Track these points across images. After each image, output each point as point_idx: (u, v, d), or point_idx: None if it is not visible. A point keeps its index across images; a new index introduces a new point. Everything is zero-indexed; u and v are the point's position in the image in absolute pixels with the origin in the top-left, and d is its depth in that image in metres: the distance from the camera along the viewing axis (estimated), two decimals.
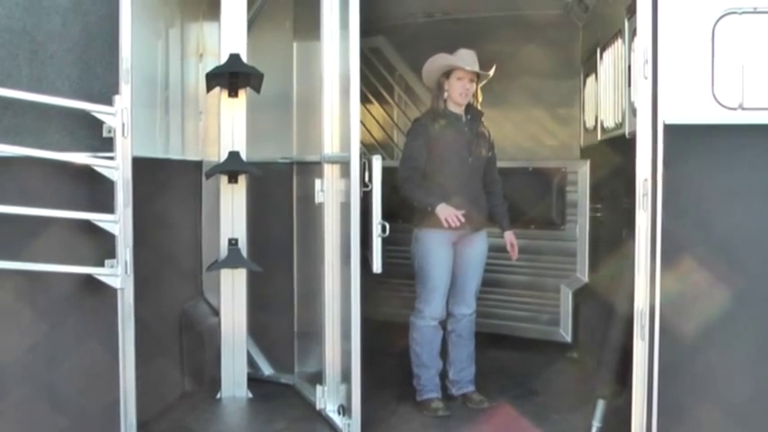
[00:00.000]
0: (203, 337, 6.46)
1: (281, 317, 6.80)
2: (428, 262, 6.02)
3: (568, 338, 7.73)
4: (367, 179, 5.26)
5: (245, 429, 5.94)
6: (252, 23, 6.44)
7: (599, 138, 7.10)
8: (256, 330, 6.67)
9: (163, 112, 6.17)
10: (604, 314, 5.55)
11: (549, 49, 8.01)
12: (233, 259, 6.28)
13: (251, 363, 6.67)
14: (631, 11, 5.36)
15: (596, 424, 5.30)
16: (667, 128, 4.48)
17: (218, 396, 6.37)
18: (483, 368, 6.41)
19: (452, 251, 6.06)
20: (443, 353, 6.21)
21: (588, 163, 7.68)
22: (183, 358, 6.42)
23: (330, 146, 5.72)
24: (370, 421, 5.52)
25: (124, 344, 4.87)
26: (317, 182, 5.77)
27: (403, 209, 6.03)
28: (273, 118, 6.74)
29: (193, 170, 6.64)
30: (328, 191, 5.75)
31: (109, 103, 4.76)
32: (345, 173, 5.39)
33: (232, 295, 6.40)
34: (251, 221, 6.38)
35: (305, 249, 6.61)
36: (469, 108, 6.16)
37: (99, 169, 4.75)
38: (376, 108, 9.46)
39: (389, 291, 8.06)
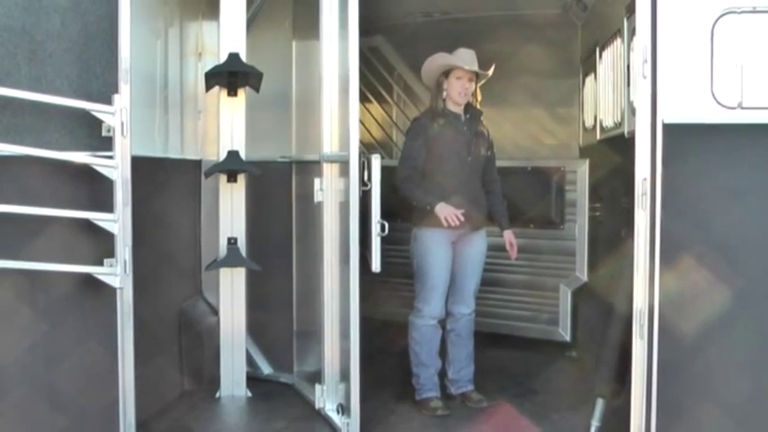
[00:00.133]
0: (202, 337, 6.46)
1: (280, 316, 6.80)
2: (427, 261, 6.02)
3: (567, 338, 7.73)
4: (366, 178, 5.26)
5: (244, 428, 5.95)
6: (251, 23, 6.44)
7: (598, 137, 7.10)
8: (255, 329, 6.67)
9: (162, 112, 6.17)
10: (603, 313, 5.55)
11: (548, 49, 8.01)
12: (232, 258, 6.28)
13: (250, 362, 6.67)
14: (630, 10, 5.36)
15: (595, 423, 5.30)
16: (666, 127, 4.49)
17: (218, 395, 6.37)
18: (482, 367, 6.41)
19: (451, 250, 6.06)
20: (442, 352, 6.21)
21: (587, 162, 7.68)
22: (182, 357, 6.43)
23: (329, 145, 5.72)
24: (369, 420, 5.52)
25: (123, 343, 4.87)
26: (316, 181, 5.77)
27: (402, 208, 6.03)
28: (272, 117, 6.75)
29: (192, 169, 6.64)
30: (327, 190, 5.75)
31: (108, 102, 4.76)
32: (344, 172, 5.39)
33: (231, 294, 6.40)
34: (250, 220, 6.38)
35: (304, 248, 6.61)
36: (468, 107, 6.16)
37: (98, 168, 4.75)
38: (375, 107, 9.46)
39: (388, 290, 8.06)
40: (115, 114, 4.76)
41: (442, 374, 6.24)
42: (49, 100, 4.66)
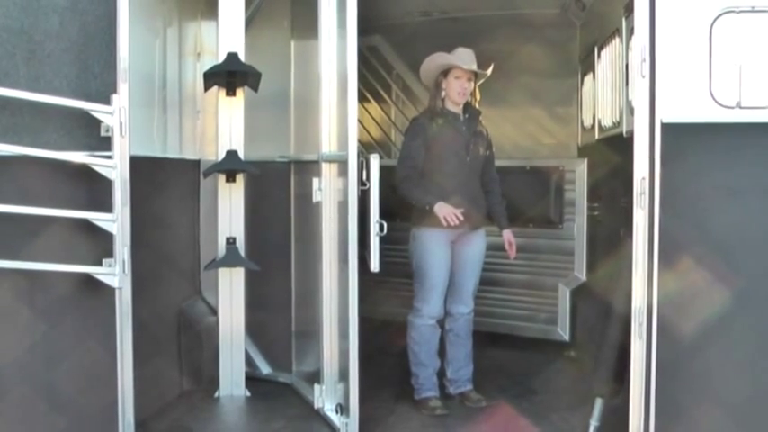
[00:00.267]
0: (201, 336, 6.46)
1: (279, 316, 6.80)
2: (426, 261, 6.02)
3: (566, 337, 7.74)
4: (365, 178, 5.26)
5: (243, 428, 5.95)
6: (249, 22, 6.44)
7: (596, 136, 7.11)
8: (254, 329, 6.67)
9: (160, 112, 6.17)
10: (602, 313, 5.55)
11: (546, 48, 8.02)
12: (231, 258, 6.28)
13: (249, 362, 6.67)
14: (629, 9, 5.36)
15: (594, 423, 5.30)
16: (665, 126, 4.49)
17: (217, 395, 6.37)
18: (481, 367, 6.41)
19: (451, 250, 6.06)
20: (441, 352, 6.21)
21: (586, 162, 7.68)
22: (181, 357, 6.43)
23: (328, 145, 5.72)
24: (368, 420, 5.52)
25: (122, 343, 4.87)
26: (315, 181, 5.77)
27: (401, 208, 6.03)
28: (271, 117, 6.74)
29: (191, 169, 6.63)
30: (326, 190, 5.75)
31: (107, 102, 4.76)
32: (343, 172, 5.39)
33: (230, 294, 6.40)
34: (249, 220, 6.37)
35: (303, 248, 6.61)
36: (467, 107, 6.16)
37: (97, 168, 4.75)
38: (373, 107, 9.46)
39: (387, 290, 8.06)
40: (114, 114, 4.76)
41: (441, 374, 6.24)
42: (48, 100, 4.66)
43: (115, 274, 4.78)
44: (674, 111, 4.50)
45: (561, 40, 8.07)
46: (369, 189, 5.25)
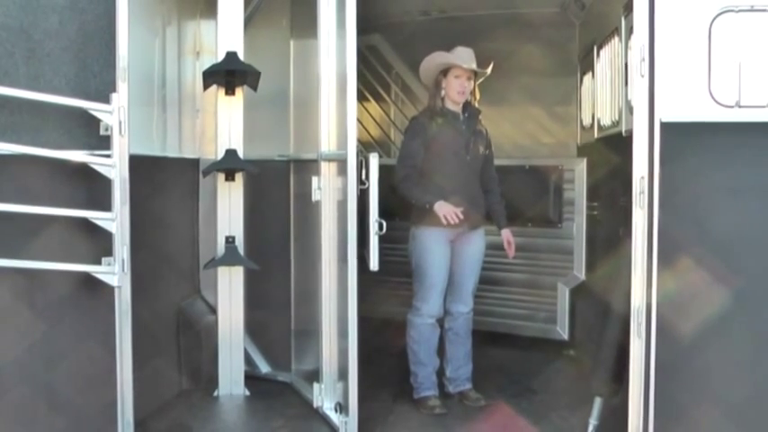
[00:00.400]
0: (200, 335, 6.46)
1: (279, 315, 6.80)
2: (426, 260, 6.02)
3: (565, 336, 7.74)
4: (364, 177, 5.26)
5: (242, 427, 5.94)
6: (249, 21, 6.44)
7: (596, 136, 7.11)
8: (253, 328, 6.68)
9: (160, 110, 6.16)
10: (601, 312, 5.55)
11: (546, 47, 8.03)
12: (230, 257, 6.28)
13: (248, 361, 6.67)
14: (628, 9, 5.36)
15: (593, 422, 5.30)
16: (664, 126, 4.48)
17: (216, 394, 6.37)
18: (480, 366, 6.42)
19: (450, 249, 6.06)
20: (440, 351, 6.21)
21: (585, 161, 7.69)
22: (180, 356, 6.43)
23: (327, 144, 5.72)
24: (367, 419, 5.52)
25: (121, 342, 4.87)
26: (314, 180, 5.77)
27: (400, 207, 6.03)
28: (270, 116, 6.75)
29: (190, 168, 6.63)
30: (325, 189, 5.75)
31: (106, 101, 4.77)
32: (342, 171, 5.39)
33: (229, 293, 6.40)
34: (248, 219, 6.37)
35: (302, 247, 6.61)
36: (467, 106, 6.16)
37: (96, 167, 4.76)
38: (373, 106, 9.46)
39: (386, 289, 8.06)
40: (113, 113, 4.76)
41: (440, 373, 6.24)
42: (47, 99, 4.67)
43: (114, 272, 4.78)
44: (674, 110, 4.49)
45: (560, 40, 8.08)
46: (368, 188, 5.25)
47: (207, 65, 6.28)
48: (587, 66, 7.55)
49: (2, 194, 4.53)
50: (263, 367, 6.91)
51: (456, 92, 6.04)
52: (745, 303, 4.49)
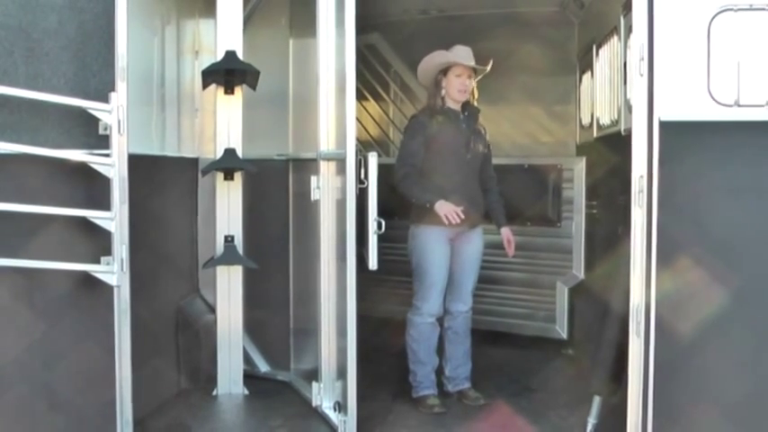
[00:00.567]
0: (199, 335, 6.46)
1: (278, 314, 6.80)
2: (426, 259, 6.01)
3: (564, 335, 7.74)
4: (363, 176, 5.25)
5: (241, 426, 5.94)
6: (248, 20, 6.44)
7: (595, 135, 7.11)
8: (252, 327, 6.68)
9: (159, 110, 6.16)
10: (600, 312, 5.55)
11: (545, 46, 8.03)
12: (229, 256, 6.28)
13: (247, 360, 6.66)
14: (627, 8, 5.36)
15: (592, 421, 5.31)
16: (663, 125, 4.48)
17: (215, 393, 6.37)
18: (479, 365, 6.42)
19: (450, 248, 6.06)
20: (439, 350, 6.21)
21: (584, 160, 7.69)
22: (179, 355, 6.43)
23: (326, 143, 5.72)
24: (367, 418, 5.52)
25: (120, 341, 4.88)
26: (313, 179, 5.77)
27: (399, 206, 6.03)
28: (269, 115, 6.75)
29: (189, 167, 6.63)
30: (324, 188, 5.75)
31: (105, 100, 4.77)
32: (341, 170, 5.39)
33: (228, 292, 6.40)
34: (247, 218, 6.37)
35: (301, 246, 6.61)
36: (466, 105, 6.16)
37: (95, 166, 4.76)
38: (372, 105, 9.46)
39: (385, 288, 8.06)
40: (112, 112, 4.76)
41: (440, 372, 6.25)
42: (46, 98, 4.67)
43: (113, 272, 4.79)
44: (673, 109, 4.49)
45: (560, 39, 8.08)
46: (367, 187, 5.25)
47: (206, 64, 6.27)
48: (586, 65, 7.55)
49: (1, 194, 4.53)
50: (263, 366, 6.91)
51: (457, 90, 6.04)
52: (745, 302, 4.50)
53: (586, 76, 7.62)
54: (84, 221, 4.75)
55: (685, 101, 4.49)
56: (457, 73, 6.04)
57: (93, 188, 4.80)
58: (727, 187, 4.52)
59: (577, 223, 7.74)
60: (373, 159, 5.25)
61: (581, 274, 7.68)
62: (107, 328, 4.85)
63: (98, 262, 4.82)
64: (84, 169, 4.76)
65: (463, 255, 6.12)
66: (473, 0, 8.16)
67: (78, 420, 4.85)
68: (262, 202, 6.64)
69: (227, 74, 6.18)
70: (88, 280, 4.79)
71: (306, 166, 6.22)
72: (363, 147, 8.42)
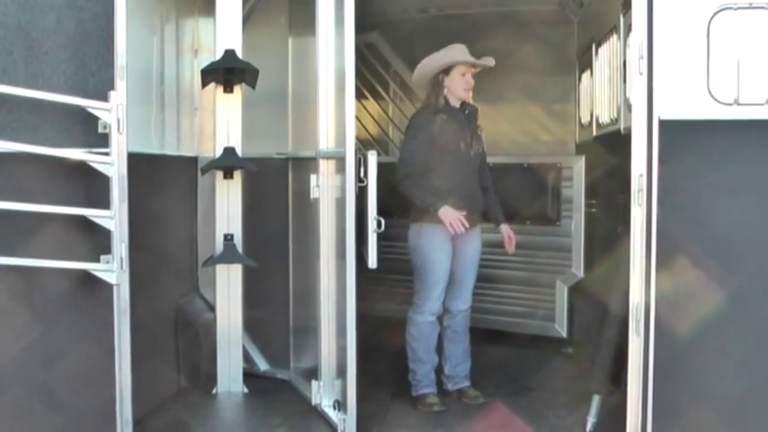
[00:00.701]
0: (199, 333, 6.46)
1: (277, 312, 6.80)
2: (430, 257, 5.99)
3: (564, 334, 7.74)
4: (362, 175, 5.25)
5: (240, 425, 5.94)
6: (247, 19, 6.44)
7: (594, 133, 7.11)
8: (252, 326, 6.68)
9: (158, 108, 6.16)
10: (599, 311, 5.55)
11: (544, 45, 8.03)
12: (228, 255, 6.27)
13: (246, 358, 6.66)
14: (627, 6, 5.37)
15: (591, 419, 5.31)
16: (662, 123, 4.49)
17: (214, 391, 6.37)
18: (479, 364, 6.42)
19: (452, 247, 6.05)
20: (439, 348, 6.21)
21: (583, 159, 7.68)
22: (178, 354, 6.43)
23: (325, 141, 5.72)
24: (366, 416, 5.52)
25: (120, 340, 4.87)
26: (313, 177, 5.77)
27: (399, 204, 6.02)
28: (269, 114, 6.74)
29: (189, 166, 6.63)
30: (324, 186, 5.75)
31: (104, 99, 4.77)
32: (341, 168, 5.39)
33: (228, 291, 6.40)
34: (246, 217, 6.37)
35: (300, 245, 6.61)
36: (465, 103, 6.15)
37: (94, 165, 4.76)
38: (371, 104, 9.46)
39: (384, 286, 8.06)
40: (111, 111, 4.76)
41: (439, 371, 6.25)
42: (46, 97, 4.67)
43: (113, 270, 4.78)
44: (672, 108, 4.50)
45: (559, 38, 8.07)
46: (366, 186, 5.25)
47: (205, 63, 6.27)
48: (586, 63, 7.55)
49: (0, 193, 4.53)
50: (262, 365, 6.91)
51: (463, 89, 6.04)
52: (744, 301, 4.50)
53: (586, 75, 7.62)
54: (84, 220, 4.75)
55: (685, 99, 4.50)
56: (462, 71, 6.03)
57: (92, 187, 4.80)
58: (726, 186, 4.52)
59: (577, 222, 7.74)
60: (373, 158, 5.25)
61: (580, 273, 7.68)
62: (106, 327, 4.85)
63: (97, 261, 4.82)
64: (83, 168, 4.76)
65: (464, 253, 6.11)
66: None
67: (78, 420, 4.85)
68: (261, 201, 6.63)
69: (227, 72, 6.18)
70: (88, 279, 4.78)
71: (305, 165, 6.22)
72: (363, 145, 8.42)
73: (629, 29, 5.27)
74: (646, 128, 4.56)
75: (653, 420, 4.59)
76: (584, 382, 5.76)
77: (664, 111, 4.50)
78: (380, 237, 5.29)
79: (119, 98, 4.77)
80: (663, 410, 4.58)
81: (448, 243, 6.01)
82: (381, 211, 5.27)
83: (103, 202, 4.76)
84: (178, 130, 6.53)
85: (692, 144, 4.53)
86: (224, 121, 6.25)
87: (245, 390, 6.41)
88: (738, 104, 4.46)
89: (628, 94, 5.45)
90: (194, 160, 6.67)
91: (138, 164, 4.96)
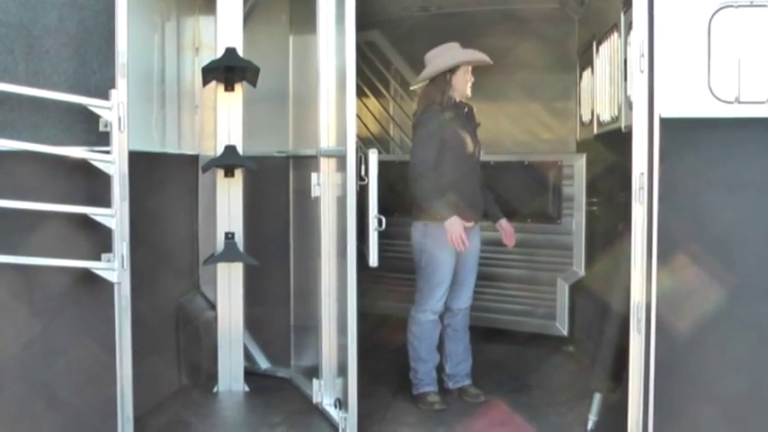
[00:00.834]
0: (200, 332, 6.46)
1: (278, 311, 6.81)
2: (436, 257, 5.96)
3: (565, 332, 7.74)
4: (363, 173, 5.25)
5: (241, 423, 5.94)
6: (248, 17, 6.44)
7: (595, 132, 7.11)
8: (253, 324, 6.68)
9: (159, 107, 6.16)
10: (600, 310, 5.55)
11: (545, 43, 8.03)
12: (229, 253, 6.28)
13: (247, 356, 6.67)
14: (627, 4, 5.36)
15: (593, 417, 5.31)
16: (663, 121, 4.48)
17: (215, 390, 6.37)
18: (479, 362, 6.42)
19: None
20: (439, 347, 6.21)
21: (584, 157, 7.68)
22: (179, 352, 6.43)
23: (326, 140, 5.72)
24: (367, 415, 5.52)
25: (121, 338, 4.87)
26: (314, 176, 5.77)
27: (400, 202, 6.02)
28: (270, 112, 6.75)
29: (190, 164, 6.63)
30: (325, 185, 5.75)
31: (105, 97, 4.76)
32: (342, 167, 5.38)
33: (229, 289, 6.40)
34: (247, 215, 6.37)
35: (301, 243, 6.61)
36: (461, 101, 6.16)
37: (96, 163, 4.76)
38: (372, 102, 9.46)
39: (385, 285, 8.07)
40: (112, 109, 4.76)
41: (440, 369, 6.24)
42: (47, 95, 4.67)
43: (114, 269, 4.78)
44: (673, 106, 4.49)
45: (560, 36, 8.07)
46: (367, 184, 5.24)
47: (206, 61, 6.28)
48: (586, 61, 7.55)
49: (1, 191, 4.53)
50: (263, 363, 6.91)
51: (467, 87, 6.07)
52: (745, 299, 4.50)
53: (587, 73, 7.61)
54: (85, 218, 4.75)
55: (686, 98, 4.49)
56: (466, 69, 6.05)
57: (93, 185, 4.80)
58: (727, 184, 4.52)
59: (578, 220, 7.73)
60: (374, 156, 5.25)
61: (581, 271, 7.68)
62: (107, 326, 4.85)
63: (98, 259, 4.82)
64: (84, 166, 4.76)
65: (467, 251, 6.10)
66: None
67: (78, 418, 4.85)
68: (262, 199, 6.64)
69: (228, 71, 6.18)
70: (88, 277, 4.78)
71: (306, 163, 6.22)
72: (363, 144, 8.42)
73: (629, 27, 5.27)
74: (647, 126, 4.55)
75: (654, 418, 4.58)
76: (584, 380, 5.76)
77: (665, 109, 4.49)
78: (381, 235, 5.29)
79: (120, 96, 4.77)
80: (664, 408, 4.58)
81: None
82: (382, 209, 5.27)
83: (104, 201, 4.77)
84: (179, 129, 6.53)
85: (693, 142, 4.53)
86: (225, 120, 6.25)
87: (246, 388, 6.41)
88: (739, 102, 4.46)
89: (629, 92, 5.45)
90: (195, 158, 6.67)
91: (138, 162, 4.97)
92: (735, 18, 4.45)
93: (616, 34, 6.23)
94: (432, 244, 5.98)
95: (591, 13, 7.43)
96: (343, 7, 5.19)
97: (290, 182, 6.80)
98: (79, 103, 4.74)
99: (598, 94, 6.99)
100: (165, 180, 6.12)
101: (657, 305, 4.53)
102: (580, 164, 7.71)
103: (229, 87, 6.24)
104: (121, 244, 4.78)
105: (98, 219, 4.75)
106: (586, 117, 7.62)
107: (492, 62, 6.08)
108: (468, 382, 6.28)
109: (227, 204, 6.33)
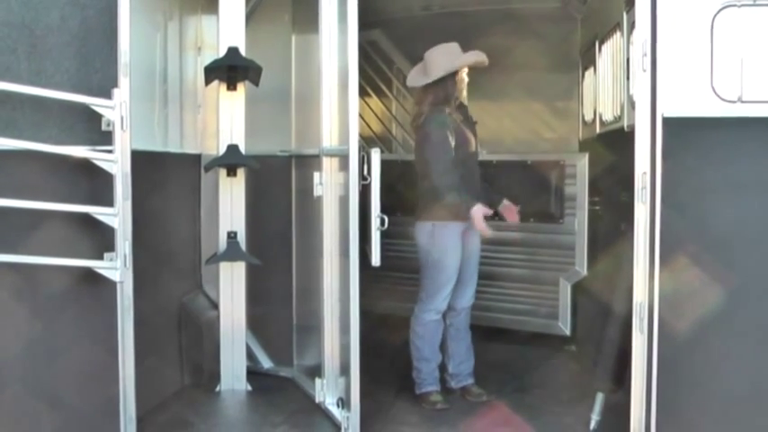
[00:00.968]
0: (202, 331, 6.46)
1: (280, 310, 6.81)
2: (446, 256, 5.97)
3: (567, 332, 7.74)
4: (366, 172, 5.26)
5: (244, 422, 5.95)
6: (250, 17, 6.44)
7: (597, 131, 7.10)
8: (255, 323, 6.68)
9: (161, 106, 6.17)
10: (602, 309, 5.55)
11: (547, 43, 8.01)
12: (232, 252, 6.28)
13: (250, 356, 6.67)
14: (630, 3, 5.36)
15: (595, 417, 5.31)
16: (666, 121, 4.48)
17: (218, 389, 6.38)
18: (482, 362, 6.41)
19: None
20: (441, 346, 6.21)
21: (587, 156, 7.68)
22: (182, 351, 6.43)
23: (329, 139, 5.72)
24: (370, 414, 5.52)
25: (123, 337, 4.88)
26: (316, 175, 5.76)
27: (402, 202, 6.02)
28: (272, 111, 6.74)
29: (192, 163, 6.63)
30: (327, 184, 5.75)
31: (108, 96, 4.76)
32: (344, 166, 5.39)
33: (231, 288, 6.40)
34: (250, 215, 6.37)
35: (304, 243, 6.61)
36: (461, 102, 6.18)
37: (98, 163, 4.76)
38: (374, 101, 9.46)
39: (388, 284, 8.06)
40: (115, 108, 4.76)
41: (442, 368, 6.25)
42: (49, 94, 4.67)
43: (116, 268, 4.78)
44: (676, 105, 4.49)
45: (562, 35, 8.06)
46: (370, 183, 5.25)
47: (208, 60, 6.27)
48: (589, 61, 7.54)
49: (3, 190, 4.53)
50: (265, 363, 6.92)
51: (464, 88, 6.10)
52: (748, 298, 4.50)
53: (589, 73, 7.61)
54: (87, 218, 4.75)
55: (688, 97, 4.49)
56: (465, 70, 6.07)
57: (95, 184, 4.80)
58: (730, 183, 4.52)
59: (580, 220, 7.73)
60: (376, 155, 5.26)
61: (583, 271, 7.68)
62: (110, 325, 4.85)
63: (101, 258, 4.82)
64: (86, 165, 4.76)
65: (469, 249, 6.10)
66: None
67: (80, 417, 4.85)
68: (264, 199, 6.64)
69: (230, 70, 6.18)
70: (91, 276, 4.78)
71: (308, 163, 6.22)
72: (366, 143, 8.43)
73: (632, 26, 5.27)
74: (649, 125, 4.55)
75: (656, 418, 4.58)
76: (587, 380, 5.76)
77: (667, 108, 4.49)
78: (383, 234, 5.29)
79: (122, 95, 4.77)
80: (666, 408, 4.58)
81: (459, 242, 6.00)
82: (385, 208, 5.27)
83: (107, 200, 4.76)
84: (181, 128, 6.53)
85: (696, 141, 4.53)
86: (227, 119, 6.25)
87: (249, 387, 6.41)
88: (742, 102, 4.45)
89: (631, 92, 5.44)
90: (197, 158, 6.67)
91: (141, 161, 4.97)
92: (738, 17, 4.45)
93: (618, 33, 6.22)
94: (438, 244, 5.98)
95: (593, 12, 7.42)
96: (346, 6, 5.19)
97: (293, 181, 6.80)
98: (81, 102, 4.74)
99: (600, 94, 6.98)
100: (167, 179, 6.12)
101: (660, 305, 4.53)
102: (582, 163, 7.70)
103: (232, 87, 6.23)
104: (124, 243, 4.78)
105: (100, 218, 4.75)
106: (589, 116, 7.61)
107: (487, 63, 6.08)
108: (470, 381, 6.28)
109: (230, 204, 6.33)
